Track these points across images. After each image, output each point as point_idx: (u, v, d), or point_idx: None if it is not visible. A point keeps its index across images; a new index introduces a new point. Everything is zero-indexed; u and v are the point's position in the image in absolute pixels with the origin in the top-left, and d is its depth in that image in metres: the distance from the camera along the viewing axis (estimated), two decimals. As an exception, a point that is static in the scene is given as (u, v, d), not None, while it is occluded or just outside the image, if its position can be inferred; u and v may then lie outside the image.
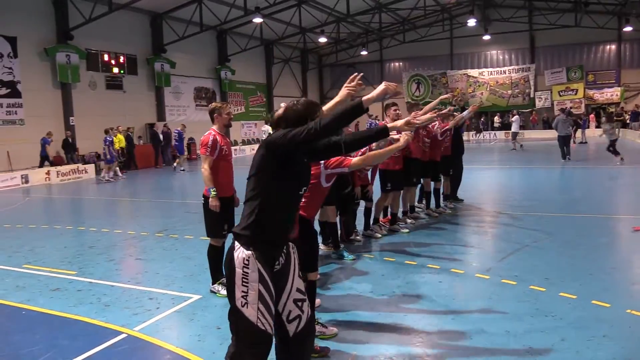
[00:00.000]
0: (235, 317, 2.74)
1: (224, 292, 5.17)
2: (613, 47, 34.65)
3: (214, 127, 5.36)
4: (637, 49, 33.90)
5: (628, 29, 31.02)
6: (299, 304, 2.93)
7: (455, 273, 5.84)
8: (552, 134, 32.45)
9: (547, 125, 34.70)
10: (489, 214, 9.41)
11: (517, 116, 26.19)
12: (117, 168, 19.18)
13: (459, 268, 6.00)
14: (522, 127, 34.78)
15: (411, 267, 6.13)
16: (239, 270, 2.71)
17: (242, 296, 2.70)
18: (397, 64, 39.99)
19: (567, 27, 33.06)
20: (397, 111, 7.19)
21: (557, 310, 4.68)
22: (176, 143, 22.24)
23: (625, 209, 10.01)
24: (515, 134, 25.10)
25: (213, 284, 5.40)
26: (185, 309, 5.03)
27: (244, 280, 2.70)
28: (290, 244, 3.02)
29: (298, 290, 2.95)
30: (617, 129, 17.03)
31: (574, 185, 13.18)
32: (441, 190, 9.48)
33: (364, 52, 37.54)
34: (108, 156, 18.11)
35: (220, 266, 5.29)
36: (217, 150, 5.25)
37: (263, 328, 2.71)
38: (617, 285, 5.33)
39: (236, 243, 2.77)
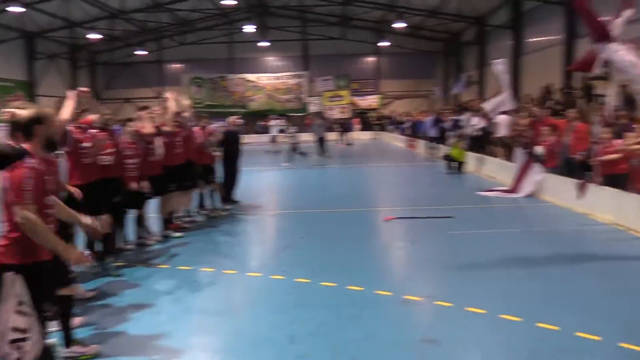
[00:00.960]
0: None
1: None
2: (372, 59, 39.08)
3: None
4: (391, 62, 38.74)
5: (384, 44, 35.30)
6: (19, 344, 2.69)
7: (229, 274, 5.99)
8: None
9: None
10: (263, 214, 9.82)
11: (276, 120, 27.84)
12: None
13: (233, 268, 6.17)
14: (298, 130, 37.10)
15: (184, 272, 6.10)
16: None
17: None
18: (176, 65, 39.20)
19: (335, 39, 36.30)
20: (152, 115, 7.13)
21: (318, 298, 5.13)
22: None
23: (379, 202, 11.37)
24: (274, 137, 26.60)
25: None
26: None
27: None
28: (9, 275, 2.75)
29: (15, 329, 2.69)
30: (296, 134, 19.96)
31: (337, 183, 14.47)
32: (215, 193, 9.61)
33: (141, 52, 35.98)
34: None
35: None
36: None
37: None
38: (369, 271, 6.04)
39: None
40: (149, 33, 34.75)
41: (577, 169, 9.61)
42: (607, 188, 8.32)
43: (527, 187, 10.69)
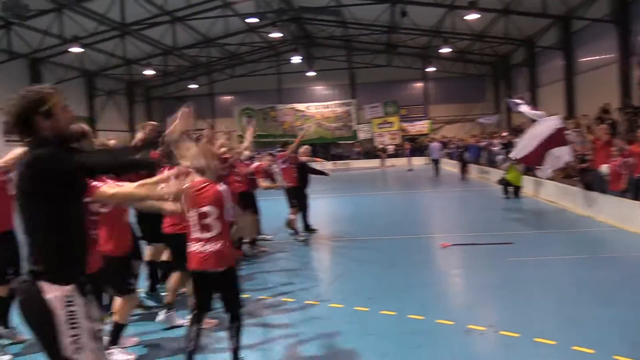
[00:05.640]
0: None
1: (3, 357, 4.65)
2: (420, 85, 38.96)
3: None
4: (439, 87, 38.52)
5: (431, 69, 35.19)
6: None
7: (286, 302, 5.97)
8: (373, 163, 35.03)
9: (369, 155, 37.50)
10: (318, 241, 9.80)
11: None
12: None
13: (289, 297, 6.15)
14: (346, 157, 37.64)
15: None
16: (61, 312, 2.29)
17: (74, 341, 2.30)
18: (227, 97, 40.31)
19: (381, 67, 36.49)
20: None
21: (378, 327, 5.03)
22: None
23: (434, 228, 11.16)
24: None
25: None
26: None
27: (71, 321, 2.30)
28: None
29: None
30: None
31: (392, 210, 14.32)
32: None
33: (193, 86, 37.20)
34: None
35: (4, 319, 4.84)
36: None
37: None
38: (429, 299, 5.89)
39: (43, 283, 2.33)
40: (200, 67, 35.96)
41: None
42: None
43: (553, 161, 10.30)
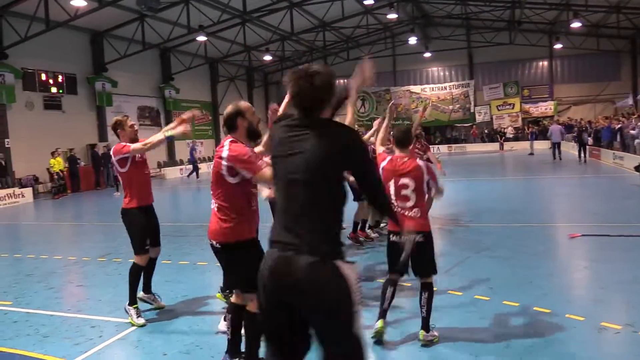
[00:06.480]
0: (356, 348, 2.24)
1: (138, 320, 5.03)
2: (545, 63, 36.43)
3: (122, 142, 5.22)
4: (567, 65, 35.76)
5: (558, 46, 32.77)
6: None
7: (402, 287, 5.90)
8: (491, 147, 33.83)
9: (488, 138, 36.08)
10: (434, 226, 9.54)
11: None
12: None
13: (407, 281, 6.07)
14: (463, 140, 36.39)
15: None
16: (355, 289, 2.25)
17: (359, 317, 2.26)
18: (342, 81, 40.38)
19: (502, 45, 34.59)
20: None
21: (501, 318, 4.83)
22: (190, 158, 25.40)
23: (561, 217, 10.45)
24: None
25: (130, 304, 5.14)
26: (130, 336, 4.86)
27: (359, 299, 2.27)
28: None
29: None
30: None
31: (512, 196, 13.64)
32: None
33: (309, 70, 37.88)
34: None
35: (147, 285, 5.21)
36: (128, 162, 5.13)
37: None
38: (555, 291, 5.54)
39: (337, 262, 2.24)
40: (316, 52, 36.50)
41: None
42: None
43: None
